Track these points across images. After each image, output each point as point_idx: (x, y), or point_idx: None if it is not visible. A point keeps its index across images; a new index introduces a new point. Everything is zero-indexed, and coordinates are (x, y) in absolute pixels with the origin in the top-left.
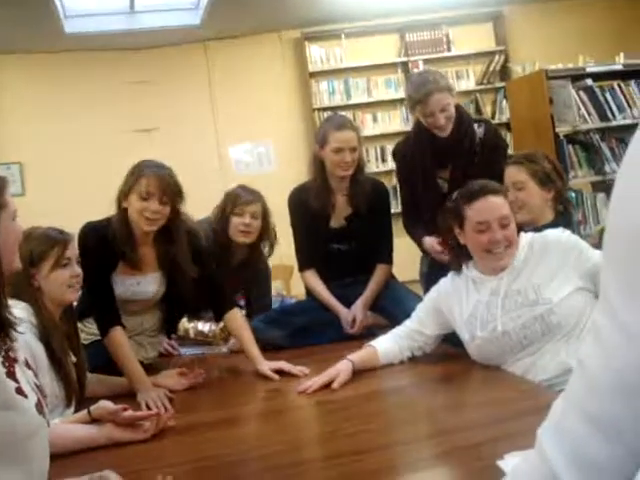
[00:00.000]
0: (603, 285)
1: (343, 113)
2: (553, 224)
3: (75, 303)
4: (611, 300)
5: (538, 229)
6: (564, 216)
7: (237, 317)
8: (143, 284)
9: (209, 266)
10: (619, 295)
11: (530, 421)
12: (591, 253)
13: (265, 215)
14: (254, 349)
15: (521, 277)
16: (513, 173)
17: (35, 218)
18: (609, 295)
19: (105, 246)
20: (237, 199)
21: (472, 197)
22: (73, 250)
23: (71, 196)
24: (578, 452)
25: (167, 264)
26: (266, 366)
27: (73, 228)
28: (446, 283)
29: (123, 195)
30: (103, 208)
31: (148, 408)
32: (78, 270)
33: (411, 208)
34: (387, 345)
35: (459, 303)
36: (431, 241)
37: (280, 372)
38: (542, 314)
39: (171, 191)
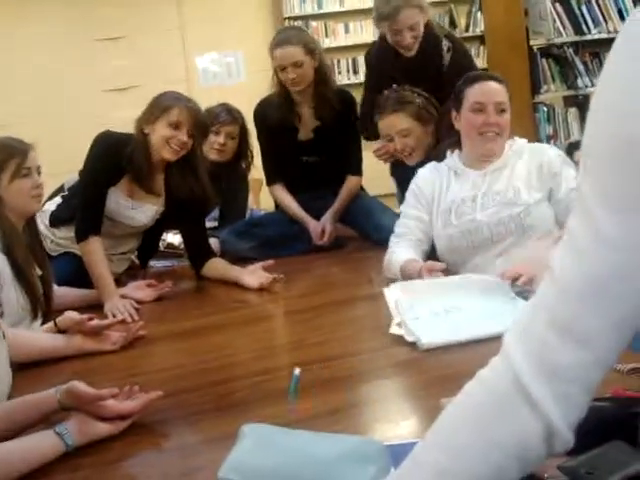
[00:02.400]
0: (581, 191)
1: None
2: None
3: (52, 209)
4: (589, 207)
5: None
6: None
7: (215, 262)
8: (137, 212)
9: (203, 215)
10: (598, 202)
11: None
12: (565, 182)
13: (243, 136)
14: (235, 271)
15: (502, 179)
16: (394, 124)
17: None
18: (587, 202)
19: (115, 157)
20: (216, 118)
21: (474, 79)
22: (33, 160)
23: (32, 107)
24: (545, 359)
25: (175, 197)
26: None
27: (33, 139)
28: (424, 173)
29: (147, 121)
30: (65, 119)
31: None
32: (39, 180)
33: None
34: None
35: (438, 192)
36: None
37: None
38: (519, 213)
39: (199, 126)
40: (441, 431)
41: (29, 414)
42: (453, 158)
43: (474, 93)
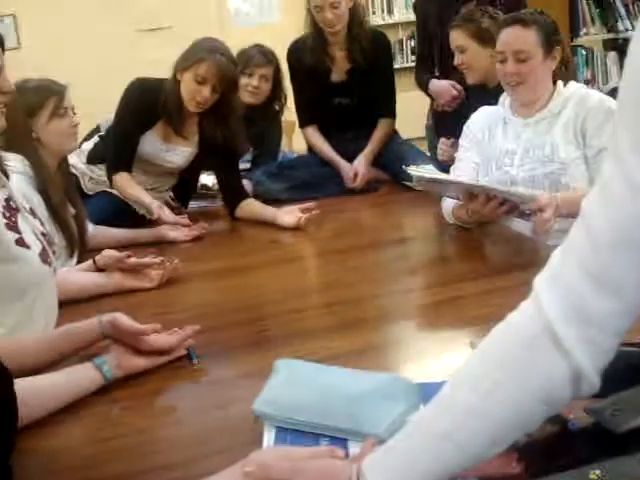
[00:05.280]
0: (616, 139)
1: None
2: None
3: (90, 148)
4: (623, 156)
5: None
6: None
7: (249, 203)
8: (171, 154)
9: (236, 158)
10: (632, 150)
11: (525, 276)
12: (598, 140)
13: (276, 78)
14: (270, 211)
15: (543, 131)
16: (454, 38)
17: (30, 71)
18: (621, 150)
19: (149, 103)
20: (250, 60)
21: (502, 24)
22: (69, 100)
23: (67, 49)
24: (575, 305)
25: (207, 142)
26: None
27: (68, 81)
28: (476, 118)
29: (180, 69)
30: (99, 60)
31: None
32: (76, 119)
33: (424, 60)
34: None
35: (487, 138)
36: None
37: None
38: (554, 171)
39: (226, 82)
40: (470, 372)
41: (72, 343)
42: (504, 104)
43: (499, 43)
